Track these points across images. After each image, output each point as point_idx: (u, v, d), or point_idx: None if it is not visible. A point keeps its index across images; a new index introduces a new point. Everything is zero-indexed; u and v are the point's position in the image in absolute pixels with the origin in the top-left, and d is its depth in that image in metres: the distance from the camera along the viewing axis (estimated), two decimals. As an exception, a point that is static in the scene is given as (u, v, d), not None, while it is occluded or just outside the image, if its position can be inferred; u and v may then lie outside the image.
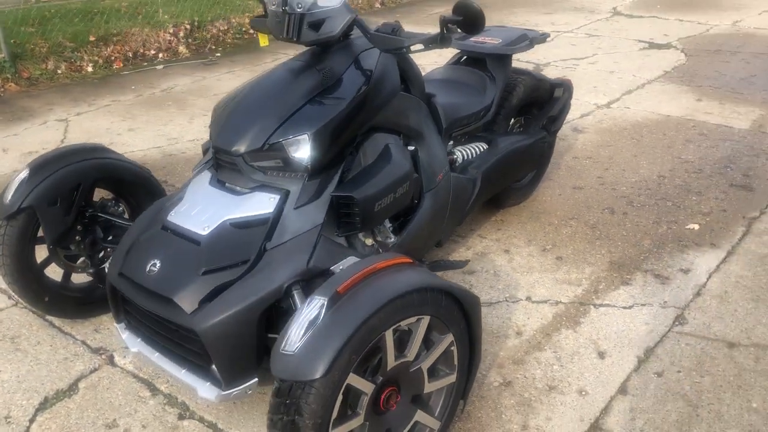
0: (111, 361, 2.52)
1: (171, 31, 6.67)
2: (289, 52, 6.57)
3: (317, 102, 2.24)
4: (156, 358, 2.19)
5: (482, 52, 3.07)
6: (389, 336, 1.73)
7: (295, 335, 1.64)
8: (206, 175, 2.33)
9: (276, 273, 2.02)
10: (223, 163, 2.26)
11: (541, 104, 3.39)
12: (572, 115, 4.52)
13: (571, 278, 2.88)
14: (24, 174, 2.47)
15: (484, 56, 3.10)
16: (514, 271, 2.93)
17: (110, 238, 2.64)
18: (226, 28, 7.07)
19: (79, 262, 2.67)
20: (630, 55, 6.00)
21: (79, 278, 2.69)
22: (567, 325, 2.60)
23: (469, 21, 2.17)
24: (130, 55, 6.33)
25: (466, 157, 2.94)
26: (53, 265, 2.58)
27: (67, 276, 2.68)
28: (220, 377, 2.01)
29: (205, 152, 2.55)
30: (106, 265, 2.61)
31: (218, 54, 6.63)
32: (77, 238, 2.63)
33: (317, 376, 1.59)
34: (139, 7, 7.06)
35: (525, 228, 3.28)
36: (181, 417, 2.25)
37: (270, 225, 2.12)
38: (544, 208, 3.46)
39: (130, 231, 2.31)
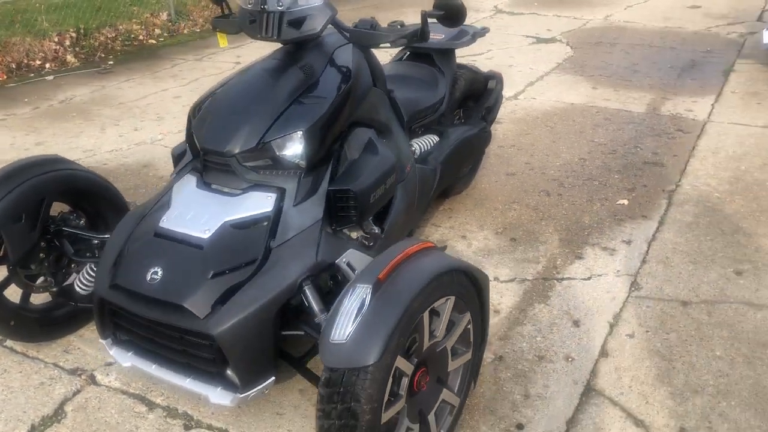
0: (93, 380, 2.41)
1: (56, 39, 6.31)
2: (187, 57, 6.42)
3: (305, 99, 2.26)
4: (154, 370, 2.14)
5: (429, 47, 3.18)
6: (426, 317, 1.80)
7: (343, 324, 1.67)
8: (190, 179, 2.28)
9: (287, 270, 2.03)
10: (212, 165, 2.23)
11: (478, 96, 3.55)
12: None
13: (529, 257, 3.05)
14: None
15: (431, 51, 3.22)
16: (476, 255, 3.07)
17: (76, 252, 2.52)
18: (114, 35, 6.78)
19: (39, 281, 2.53)
20: (522, 50, 6.34)
21: (37, 298, 2.55)
22: (538, 299, 2.76)
23: (450, 15, 2.27)
24: (14, 66, 5.94)
25: (423, 149, 3.04)
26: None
27: (26, 297, 2.53)
28: (237, 380, 1.99)
29: (177, 157, 2.49)
30: (76, 280, 2.48)
31: (111, 62, 6.35)
32: (41, 255, 2.49)
33: (372, 361, 1.63)
34: (15, 14, 6.62)
35: (474, 214, 3.43)
36: (186, 427, 2.20)
37: (271, 223, 2.12)
38: (486, 194, 3.63)
39: (111, 242, 2.23)
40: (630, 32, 6.87)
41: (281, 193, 2.17)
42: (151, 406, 2.29)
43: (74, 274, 2.59)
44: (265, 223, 2.12)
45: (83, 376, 2.43)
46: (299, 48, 2.41)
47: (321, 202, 2.23)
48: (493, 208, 3.49)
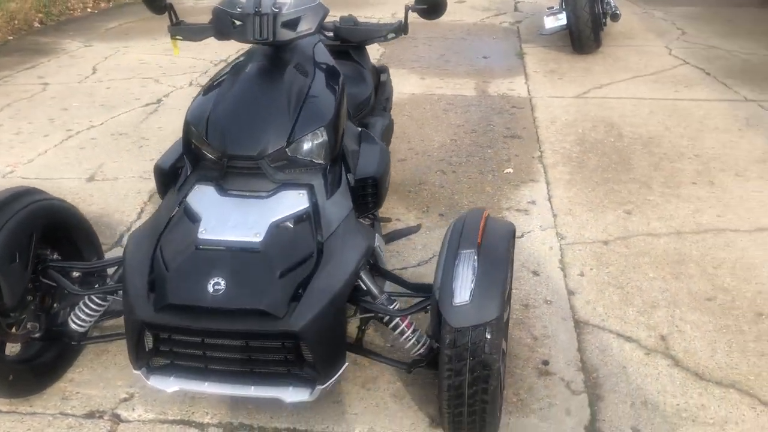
0: (119, 418, 2.27)
1: None
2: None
3: (314, 96, 2.35)
4: (207, 387, 2.12)
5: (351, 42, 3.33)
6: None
7: (461, 287, 1.86)
8: (204, 188, 2.25)
9: (346, 260, 2.13)
10: (237, 170, 2.22)
11: (376, 88, 3.79)
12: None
13: (463, 227, 3.39)
14: None
15: (348, 48, 3.39)
16: (418, 235, 3.32)
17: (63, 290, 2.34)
18: None
19: (22, 327, 2.30)
20: (336, 49, 6.65)
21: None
22: (494, 260, 3.11)
23: (432, 8, 2.49)
24: None
25: (362, 141, 3.22)
26: None
27: (2, 346, 2.29)
28: (317, 372, 2.05)
29: (166, 172, 2.43)
30: (71, 318, 2.30)
31: None
32: (28, 297, 2.27)
33: (496, 315, 1.85)
34: None
35: (393, 199, 3.68)
36: (254, 436, 2.19)
37: (313, 219, 2.19)
38: (392, 181, 3.89)
39: (132, 267, 2.14)
40: (421, 27, 7.50)
41: (310, 189, 2.25)
42: (202, 427, 2.23)
43: (59, 314, 2.39)
44: (307, 219, 2.18)
45: (105, 417, 2.27)
46: (281, 48, 2.47)
47: (347, 193, 2.34)
48: (407, 191, 3.76)
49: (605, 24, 6.35)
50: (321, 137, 2.27)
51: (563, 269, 3.03)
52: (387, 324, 2.19)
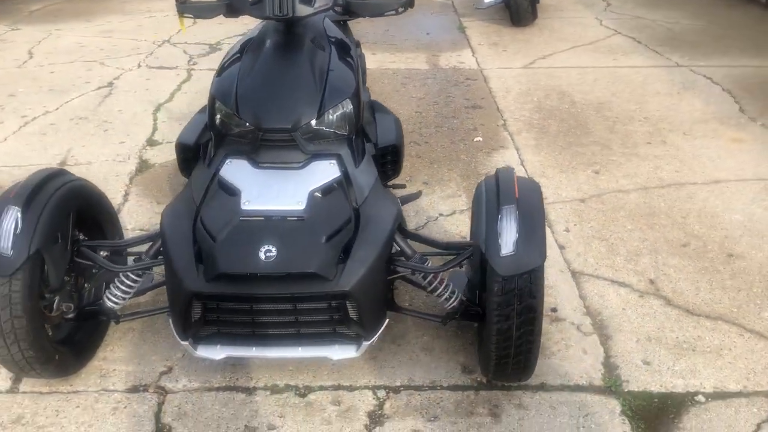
0: (164, 390, 2.34)
1: None
2: None
3: (335, 69, 2.46)
4: (257, 351, 2.21)
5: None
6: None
7: (506, 239, 2.03)
8: (239, 162, 2.32)
9: (382, 222, 2.26)
10: (269, 143, 2.30)
11: (353, 64, 3.89)
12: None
13: (449, 193, 3.57)
14: (14, 213, 2.07)
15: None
16: (412, 203, 3.47)
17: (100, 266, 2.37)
18: None
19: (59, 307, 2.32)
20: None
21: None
22: (486, 221, 3.30)
23: None
24: None
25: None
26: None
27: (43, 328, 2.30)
28: (363, 329, 2.18)
29: (189, 147, 2.49)
30: (106, 295, 2.33)
31: None
32: (65, 277, 2.29)
33: (540, 261, 2.03)
34: None
35: (376, 170, 3.80)
36: (302, 395, 2.30)
37: (346, 186, 2.31)
38: (370, 152, 4.02)
39: (173, 241, 2.19)
40: (359, 3, 7.59)
41: (339, 159, 2.36)
42: (249, 391, 2.32)
43: (90, 293, 2.42)
44: (340, 187, 2.29)
45: (150, 390, 2.33)
46: (294, 24, 2.54)
47: (371, 161, 2.47)
48: (386, 162, 3.89)
49: (540, -3, 6.64)
50: (347, 108, 2.38)
51: (550, 226, 3.26)
52: (422, 281, 2.33)
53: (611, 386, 2.33)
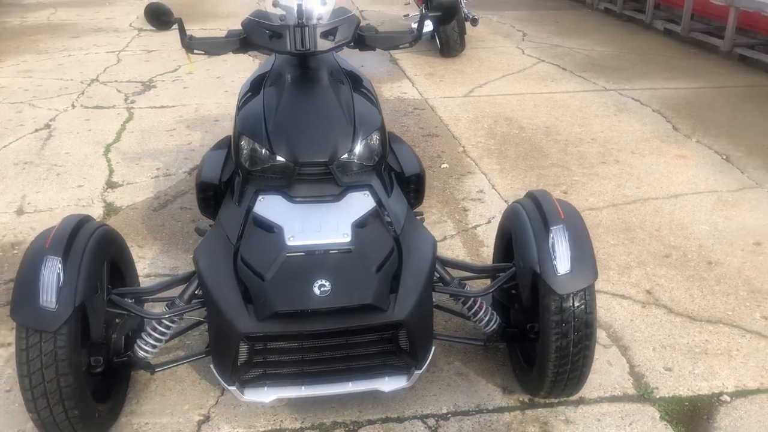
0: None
1: None
2: None
3: (359, 102, 2.47)
4: (307, 390, 2.18)
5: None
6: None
7: (560, 260, 2.10)
8: (273, 198, 2.29)
9: (424, 250, 2.29)
10: (304, 178, 2.28)
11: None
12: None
13: (434, 220, 3.63)
14: (55, 264, 1.95)
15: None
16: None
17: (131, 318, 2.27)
18: None
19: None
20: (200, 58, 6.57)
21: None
22: (479, 246, 3.39)
23: (445, 15, 2.69)
24: None
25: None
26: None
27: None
28: (415, 358, 2.19)
29: (208, 189, 2.44)
30: (137, 345, 2.23)
31: None
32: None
33: (594, 279, 2.12)
34: None
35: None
36: (357, 426, 2.28)
37: (383, 216, 2.32)
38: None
39: (214, 283, 2.13)
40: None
41: (371, 189, 2.37)
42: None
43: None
44: (378, 217, 2.30)
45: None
46: (310, 57, 2.54)
47: (399, 190, 2.49)
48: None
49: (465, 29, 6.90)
50: (376, 140, 2.40)
51: (539, 246, 3.36)
52: (460, 307, 2.36)
53: (644, 394, 2.43)
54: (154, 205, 3.76)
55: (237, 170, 2.42)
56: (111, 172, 4.18)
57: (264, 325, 2.03)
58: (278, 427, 2.27)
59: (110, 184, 4.01)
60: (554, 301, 2.09)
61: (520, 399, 2.40)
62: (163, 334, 2.24)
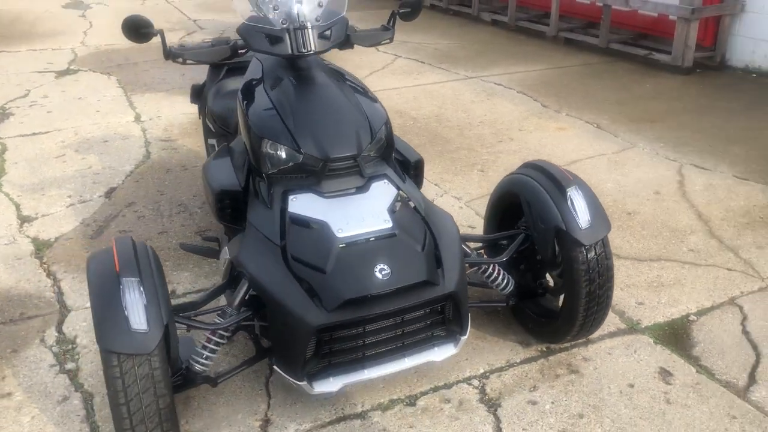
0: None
1: None
2: None
3: (363, 95, 2.59)
4: (369, 372, 2.28)
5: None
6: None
7: (581, 215, 2.39)
8: (305, 197, 2.34)
9: (449, 227, 2.48)
10: (333, 173, 2.37)
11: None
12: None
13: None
14: (135, 285, 1.92)
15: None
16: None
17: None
18: None
19: None
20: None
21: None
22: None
23: (413, 11, 2.87)
24: None
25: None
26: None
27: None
28: (460, 326, 2.38)
29: (228, 197, 2.44)
30: (191, 360, 2.21)
31: None
32: None
33: (609, 228, 2.44)
34: None
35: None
36: (412, 401, 2.42)
37: (407, 200, 2.49)
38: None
39: (274, 283, 2.18)
40: (115, 54, 7.30)
41: (388, 178, 2.51)
42: (362, 416, 2.35)
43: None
44: (404, 202, 2.46)
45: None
46: (301, 58, 2.61)
47: (406, 176, 2.65)
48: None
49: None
50: (387, 130, 2.54)
51: (485, 219, 3.67)
52: (479, 275, 2.59)
53: (633, 327, 2.81)
54: (88, 233, 3.56)
55: (256, 175, 2.44)
56: (17, 206, 3.86)
57: (334, 315, 2.10)
58: (342, 415, 2.34)
59: (24, 219, 3.72)
60: (581, 252, 2.37)
61: (539, 349, 2.67)
62: (218, 344, 2.22)
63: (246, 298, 2.25)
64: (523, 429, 2.28)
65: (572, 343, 2.68)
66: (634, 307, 2.93)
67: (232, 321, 2.20)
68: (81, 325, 2.84)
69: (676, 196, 3.95)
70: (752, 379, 2.51)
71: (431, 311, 2.31)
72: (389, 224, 2.28)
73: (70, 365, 2.61)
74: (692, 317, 2.87)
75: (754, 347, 2.68)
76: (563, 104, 5.53)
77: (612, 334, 2.75)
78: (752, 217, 3.70)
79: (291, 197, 2.34)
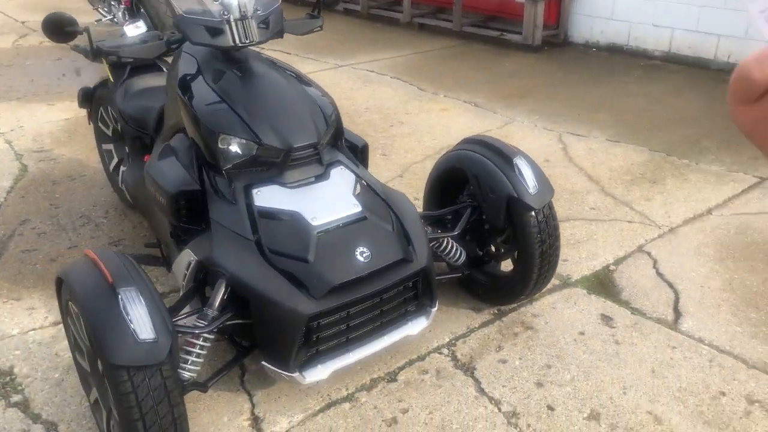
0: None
1: None
2: None
3: (307, 85, 2.61)
4: (352, 356, 2.33)
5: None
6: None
7: (529, 181, 2.57)
8: (269, 189, 2.33)
9: (406, 204, 2.57)
10: (294, 163, 2.37)
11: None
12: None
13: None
14: (134, 295, 1.86)
15: (158, 61, 3.35)
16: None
17: None
18: None
19: None
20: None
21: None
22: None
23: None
24: None
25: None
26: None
27: None
28: (432, 298, 2.50)
29: (183, 198, 2.37)
30: (182, 366, 2.16)
31: None
32: None
33: (552, 193, 2.63)
34: None
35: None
36: (390, 379, 2.50)
37: (364, 183, 2.55)
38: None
39: (261, 280, 2.18)
40: (31, 51, 6.67)
41: (343, 163, 2.56)
42: (350, 398, 2.39)
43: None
44: (364, 186, 2.51)
45: (265, 440, 2.23)
46: (239, 50, 2.57)
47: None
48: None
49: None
50: (337, 118, 2.57)
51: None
52: (436, 248, 2.70)
53: (565, 281, 3.06)
54: (-18, 257, 3.27)
55: (212, 171, 2.38)
56: None
57: (323, 302, 2.13)
58: (330, 401, 2.37)
59: None
60: (531, 216, 2.55)
61: (491, 312, 2.83)
62: (203, 348, 2.17)
63: (225, 297, 2.20)
64: (502, 386, 2.43)
65: (518, 303, 2.85)
66: (561, 263, 3.16)
67: (218, 323, 2.14)
68: (14, 353, 2.62)
69: (564, 162, 4.28)
70: (677, 312, 2.83)
71: (404, 288, 2.38)
72: (358, 208, 2.32)
73: (16, 398, 2.41)
74: (611, 267, 3.17)
75: (671, 285, 3.01)
76: (438, 86, 5.76)
77: (550, 291, 2.97)
78: (633, 174, 4.11)
79: (255, 191, 2.31)
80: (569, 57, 6.77)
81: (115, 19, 7.08)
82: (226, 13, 2.38)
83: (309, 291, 2.11)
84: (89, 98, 3.69)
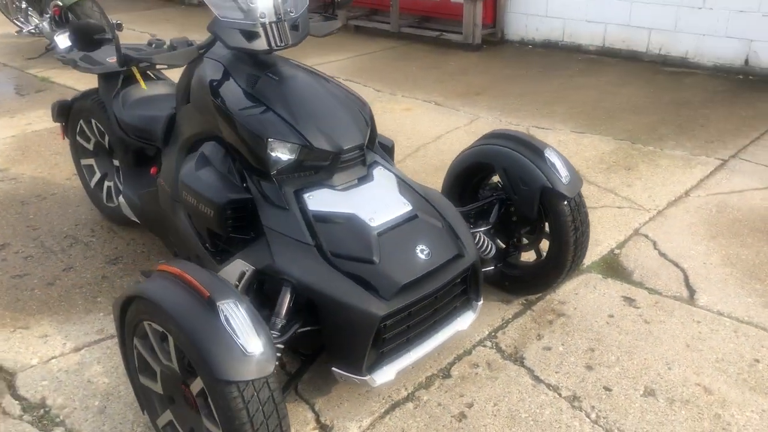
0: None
1: None
2: None
3: (339, 87, 2.58)
4: (413, 354, 2.32)
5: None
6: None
7: (561, 173, 2.63)
8: (320, 193, 2.30)
9: (444, 202, 2.58)
10: (343, 165, 2.35)
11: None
12: None
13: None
14: (234, 308, 1.79)
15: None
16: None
17: None
18: None
19: None
20: None
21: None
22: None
23: None
24: None
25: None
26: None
27: None
28: (478, 292, 2.53)
29: (230, 208, 2.30)
30: None
31: None
32: None
33: (582, 183, 2.71)
34: None
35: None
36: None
37: (404, 182, 2.55)
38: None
39: (330, 285, 2.15)
40: None
41: (380, 163, 2.55)
42: (412, 398, 2.38)
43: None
44: (404, 184, 2.51)
45: (342, 448, 2.20)
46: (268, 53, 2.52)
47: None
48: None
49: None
50: (373, 119, 2.55)
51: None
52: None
53: (580, 269, 3.15)
54: (-27, 285, 3.04)
55: (258, 177, 2.31)
56: None
57: (393, 302, 2.12)
58: (394, 402, 2.35)
59: None
60: (566, 205, 2.62)
61: (521, 302, 2.89)
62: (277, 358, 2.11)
63: (291, 304, 2.15)
64: (555, 372, 2.48)
65: (543, 292, 2.92)
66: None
67: (291, 332, 2.09)
68: (41, 384, 2.46)
69: (539, 154, 4.40)
70: (691, 289, 2.98)
71: (461, 281, 2.39)
72: (409, 207, 2.33)
73: (57, 430, 2.26)
74: (616, 251, 3.30)
75: (676, 264, 3.17)
76: (393, 87, 5.80)
77: (568, 278, 3.05)
78: (607, 162, 4.29)
79: (306, 195, 2.27)
80: (509, 54, 6.97)
81: (38, 30, 6.76)
82: (263, 15, 2.32)
83: (378, 292, 2.09)
84: (66, 112, 3.50)
